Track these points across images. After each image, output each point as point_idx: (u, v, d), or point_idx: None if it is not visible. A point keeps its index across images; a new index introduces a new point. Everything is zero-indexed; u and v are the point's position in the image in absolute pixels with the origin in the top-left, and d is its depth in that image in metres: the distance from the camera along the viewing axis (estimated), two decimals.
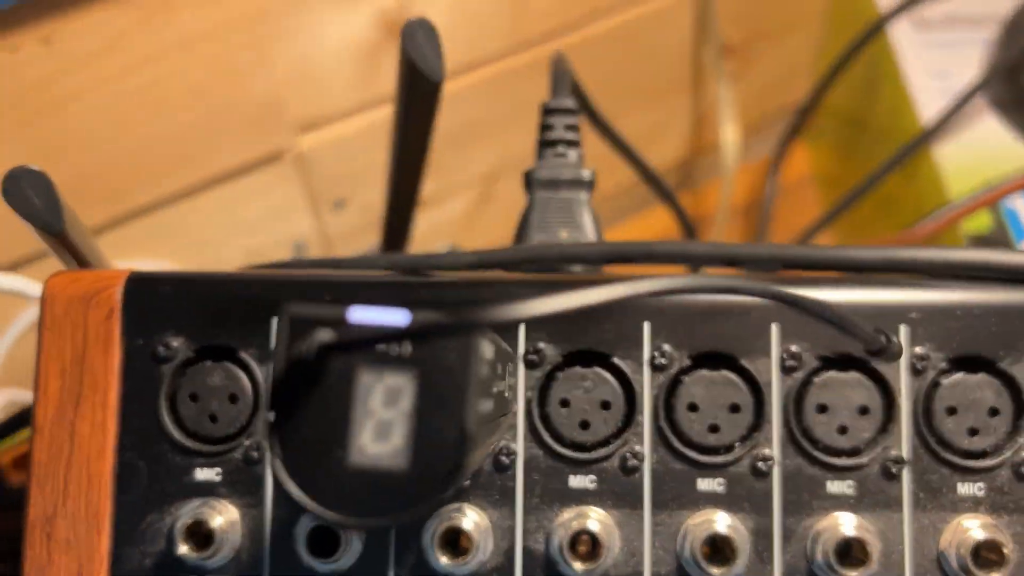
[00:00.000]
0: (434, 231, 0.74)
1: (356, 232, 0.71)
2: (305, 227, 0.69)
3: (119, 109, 0.57)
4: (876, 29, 0.70)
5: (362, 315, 0.16)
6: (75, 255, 0.31)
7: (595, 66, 0.70)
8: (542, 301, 0.17)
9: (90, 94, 0.55)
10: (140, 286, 0.30)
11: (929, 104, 0.67)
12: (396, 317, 0.16)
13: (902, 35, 0.70)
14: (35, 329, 0.30)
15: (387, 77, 0.65)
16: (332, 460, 0.17)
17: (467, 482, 0.28)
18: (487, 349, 0.18)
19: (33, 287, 0.41)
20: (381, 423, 0.17)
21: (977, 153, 0.64)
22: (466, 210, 0.74)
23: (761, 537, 0.28)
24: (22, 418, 0.40)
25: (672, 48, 0.75)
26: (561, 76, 0.38)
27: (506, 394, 0.24)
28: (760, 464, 0.28)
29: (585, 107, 0.45)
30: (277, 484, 0.29)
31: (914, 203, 0.67)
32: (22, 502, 0.29)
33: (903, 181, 0.69)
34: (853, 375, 0.28)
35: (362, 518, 0.17)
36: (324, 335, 0.17)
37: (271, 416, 0.17)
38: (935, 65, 0.69)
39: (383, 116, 0.66)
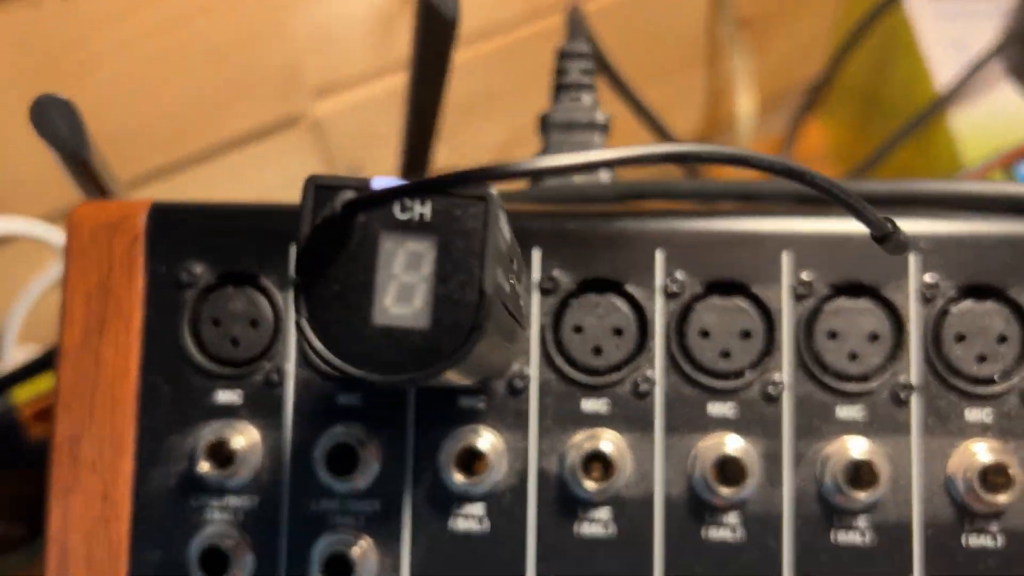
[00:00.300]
0: None
1: None
2: None
3: (137, 73, 0.57)
4: (891, 0, 0.70)
5: (385, 183, 0.17)
6: (98, 185, 0.31)
7: (609, 38, 0.71)
8: (540, 160, 0.18)
9: (110, 57, 0.56)
10: (164, 215, 0.30)
11: (944, 74, 0.67)
12: (419, 184, 0.17)
13: (918, 5, 0.70)
14: (58, 287, 0.31)
15: (404, 43, 0.65)
16: (356, 321, 0.17)
17: (482, 404, 0.29)
18: (504, 220, 0.18)
19: (56, 234, 0.42)
20: (403, 286, 0.18)
21: (992, 121, 0.64)
22: (492, 136, 0.74)
23: (771, 461, 0.28)
24: (43, 362, 0.41)
25: (688, 21, 0.76)
26: (577, 24, 0.39)
27: (521, 302, 0.25)
28: (770, 389, 0.29)
29: (601, 63, 0.45)
30: (298, 406, 0.29)
31: (928, 171, 0.67)
32: (43, 460, 0.30)
33: (917, 152, 0.69)
34: (863, 302, 0.29)
35: (385, 375, 0.17)
36: (348, 193, 0.17)
37: (297, 279, 0.18)
38: (951, 35, 0.69)
39: (400, 82, 0.66)
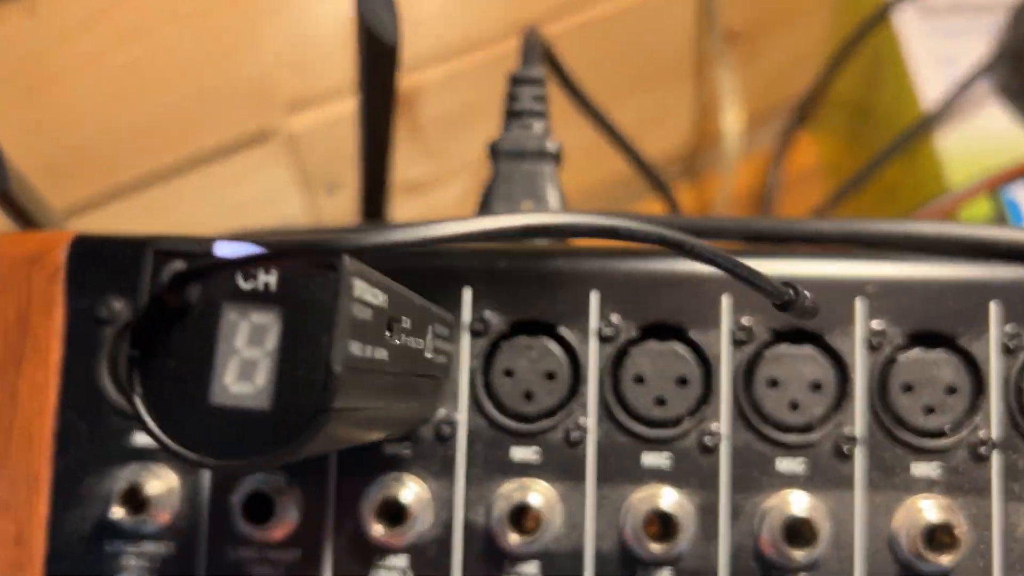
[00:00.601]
0: (431, 216, 0.73)
1: (350, 216, 0.71)
2: (297, 210, 0.68)
3: (106, 85, 0.56)
4: (881, 15, 0.69)
5: (228, 249, 0.16)
6: (21, 215, 0.30)
7: (593, 51, 0.69)
8: (392, 232, 0.16)
9: (76, 70, 0.55)
10: (85, 248, 0.29)
11: (933, 91, 0.66)
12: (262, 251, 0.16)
13: (907, 21, 0.68)
14: None
15: None
16: (194, 399, 0.16)
17: (407, 451, 0.28)
18: (363, 289, 0.17)
19: None
20: (245, 362, 0.16)
21: (979, 142, 0.62)
22: (461, 195, 0.74)
23: (707, 514, 0.27)
24: None
25: (673, 33, 0.74)
26: (532, 47, 0.37)
27: (433, 357, 0.24)
28: (707, 439, 0.27)
29: (571, 89, 0.44)
30: None
31: (914, 191, 0.65)
32: None
33: (905, 170, 0.68)
34: (806, 349, 0.27)
35: (221, 460, 0.16)
36: (179, 265, 0.16)
37: (133, 352, 0.16)
38: (940, 51, 0.67)
39: None
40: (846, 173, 0.77)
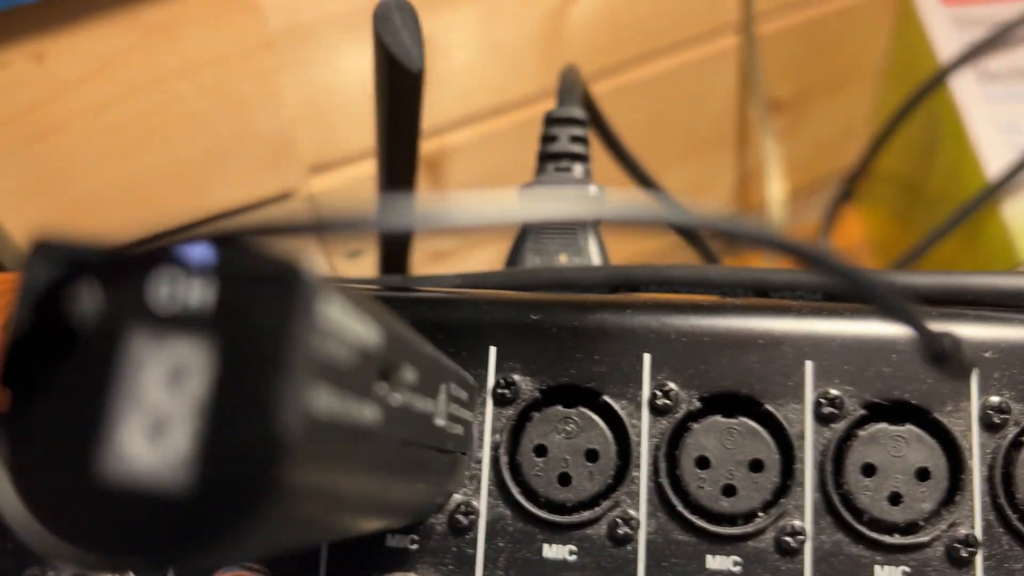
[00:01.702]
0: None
1: None
2: None
3: (115, 136, 0.53)
4: (939, 80, 0.65)
5: (149, 248, 0.11)
6: None
7: (633, 116, 0.66)
8: (406, 210, 0.11)
9: (83, 119, 0.52)
10: None
11: (996, 160, 0.61)
12: (197, 251, 0.11)
13: (965, 87, 0.64)
14: None
15: None
16: (78, 470, 0.11)
17: (414, 546, 0.23)
18: (341, 314, 0.12)
19: None
20: (157, 416, 0.11)
21: None
22: (488, 265, 0.69)
23: None
24: None
25: (716, 100, 0.71)
26: (570, 86, 0.33)
27: (447, 426, 0.19)
28: (788, 539, 0.22)
29: (610, 141, 0.40)
30: None
31: (979, 267, 0.60)
32: None
33: (966, 245, 0.63)
34: (909, 428, 0.22)
35: (117, 557, 0.11)
36: (55, 270, 0.11)
37: None
38: (1003, 119, 0.63)
39: None
40: (894, 250, 0.73)
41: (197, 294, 0.11)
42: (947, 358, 0.15)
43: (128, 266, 0.11)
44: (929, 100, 0.67)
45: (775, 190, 0.72)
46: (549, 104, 0.67)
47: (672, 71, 0.68)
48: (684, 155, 0.72)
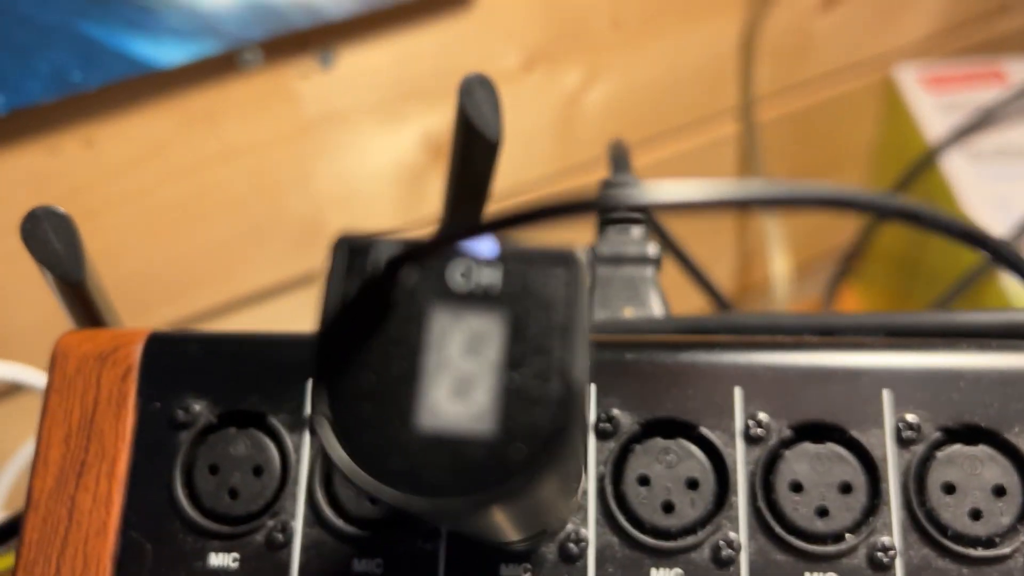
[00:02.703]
0: None
1: None
2: None
3: (156, 219, 0.55)
4: (929, 159, 0.69)
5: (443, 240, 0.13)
6: (91, 312, 0.28)
7: None
8: (662, 188, 0.14)
9: (123, 203, 0.54)
10: (162, 345, 0.27)
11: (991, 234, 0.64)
12: (484, 246, 0.13)
13: (956, 167, 0.68)
14: None
15: (433, 200, 0.63)
16: (395, 424, 0.13)
17: (527, 575, 0.24)
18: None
19: (38, 377, 0.38)
20: (461, 376, 0.13)
21: None
22: None
23: None
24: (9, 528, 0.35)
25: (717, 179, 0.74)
26: (620, 155, 0.36)
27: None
28: (879, 555, 0.23)
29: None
30: (305, 573, 0.24)
31: None
32: None
33: None
34: (983, 449, 0.24)
35: (434, 498, 0.13)
36: (391, 249, 0.13)
37: (320, 364, 0.13)
38: (995, 195, 0.67)
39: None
40: None
41: (487, 275, 0.13)
42: None
43: (434, 254, 0.13)
44: (922, 180, 0.71)
45: (779, 266, 0.75)
46: (565, 184, 0.70)
47: (676, 155, 0.71)
48: (689, 235, 0.75)
